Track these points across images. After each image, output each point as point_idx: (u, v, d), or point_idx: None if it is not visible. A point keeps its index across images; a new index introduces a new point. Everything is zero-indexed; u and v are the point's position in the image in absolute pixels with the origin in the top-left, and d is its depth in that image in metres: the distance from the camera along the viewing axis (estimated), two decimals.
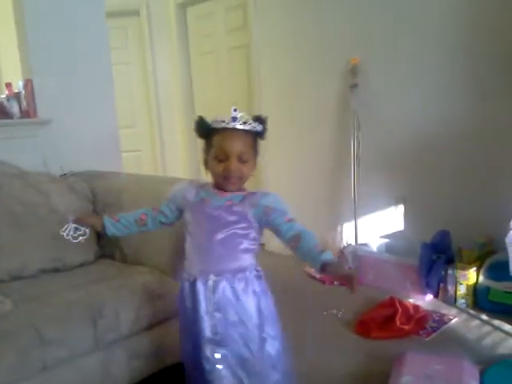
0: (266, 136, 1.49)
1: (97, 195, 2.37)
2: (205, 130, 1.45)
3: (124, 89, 4.33)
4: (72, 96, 2.77)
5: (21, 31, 2.65)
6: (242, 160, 1.43)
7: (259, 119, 1.46)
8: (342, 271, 1.46)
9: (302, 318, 2.65)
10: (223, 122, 1.42)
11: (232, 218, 1.44)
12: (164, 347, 1.89)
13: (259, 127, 1.45)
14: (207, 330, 1.45)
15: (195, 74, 4.52)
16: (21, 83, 2.62)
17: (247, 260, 1.48)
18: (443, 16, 2.84)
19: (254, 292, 1.47)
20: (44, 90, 2.63)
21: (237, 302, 1.45)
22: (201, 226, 1.48)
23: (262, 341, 1.48)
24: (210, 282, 1.45)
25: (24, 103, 2.60)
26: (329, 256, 1.37)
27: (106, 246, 2.31)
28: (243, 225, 1.44)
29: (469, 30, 2.75)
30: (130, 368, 1.79)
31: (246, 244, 1.46)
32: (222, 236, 1.44)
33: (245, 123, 1.42)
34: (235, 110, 1.41)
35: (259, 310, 1.48)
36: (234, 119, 1.41)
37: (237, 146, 1.42)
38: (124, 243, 2.22)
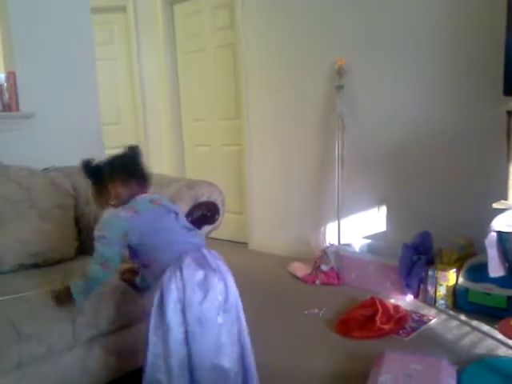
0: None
1: (78, 191, 2.34)
2: None
3: (109, 85, 4.30)
4: (55, 90, 2.74)
5: (4, 22, 2.61)
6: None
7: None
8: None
9: (284, 316, 2.66)
10: None
11: None
12: (143, 346, 1.87)
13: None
14: None
15: (181, 71, 4.50)
16: (3, 76, 2.58)
17: None
18: (427, 20, 2.87)
19: None
20: (27, 83, 2.59)
21: None
22: None
23: None
24: None
25: (6, 96, 2.57)
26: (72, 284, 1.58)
27: (86, 243, 2.28)
28: None
29: (451, 33, 2.80)
30: (108, 365, 1.78)
31: None
32: None
33: None
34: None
35: None
36: None
37: None
38: None
